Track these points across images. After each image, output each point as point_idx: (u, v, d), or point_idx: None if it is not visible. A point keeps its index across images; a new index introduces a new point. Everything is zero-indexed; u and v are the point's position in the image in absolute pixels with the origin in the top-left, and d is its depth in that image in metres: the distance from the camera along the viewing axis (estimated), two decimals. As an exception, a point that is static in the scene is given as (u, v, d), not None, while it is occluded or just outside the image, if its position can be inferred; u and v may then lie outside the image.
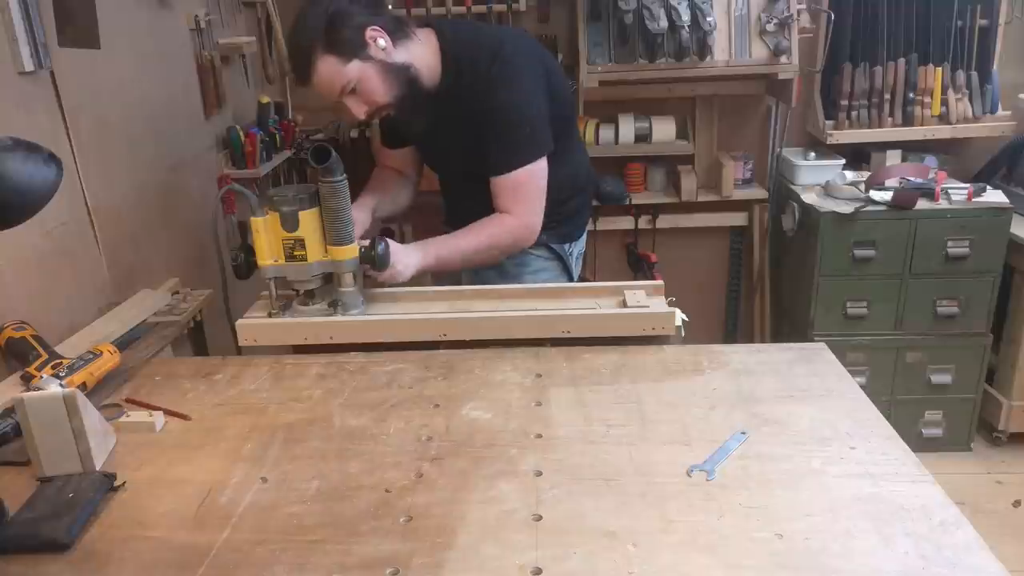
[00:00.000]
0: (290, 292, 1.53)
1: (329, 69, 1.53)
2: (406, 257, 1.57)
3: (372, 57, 1.55)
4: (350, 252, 1.46)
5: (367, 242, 1.50)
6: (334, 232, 1.44)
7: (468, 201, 1.75)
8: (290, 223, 1.44)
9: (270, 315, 1.51)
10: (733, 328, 3.38)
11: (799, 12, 2.75)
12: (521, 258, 1.80)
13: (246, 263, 1.50)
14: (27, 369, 1.31)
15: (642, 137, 2.98)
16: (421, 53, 1.63)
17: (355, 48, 1.54)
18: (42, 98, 1.55)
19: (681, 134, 3.03)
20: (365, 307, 1.52)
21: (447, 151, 1.80)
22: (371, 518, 1.00)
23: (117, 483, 1.09)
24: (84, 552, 0.97)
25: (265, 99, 2.66)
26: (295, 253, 1.46)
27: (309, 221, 1.44)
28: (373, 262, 1.50)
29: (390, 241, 1.53)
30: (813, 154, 2.97)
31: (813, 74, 2.92)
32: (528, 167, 1.63)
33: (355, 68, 1.54)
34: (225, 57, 2.52)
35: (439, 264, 1.64)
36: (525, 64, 1.64)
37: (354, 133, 2.90)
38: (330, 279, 1.51)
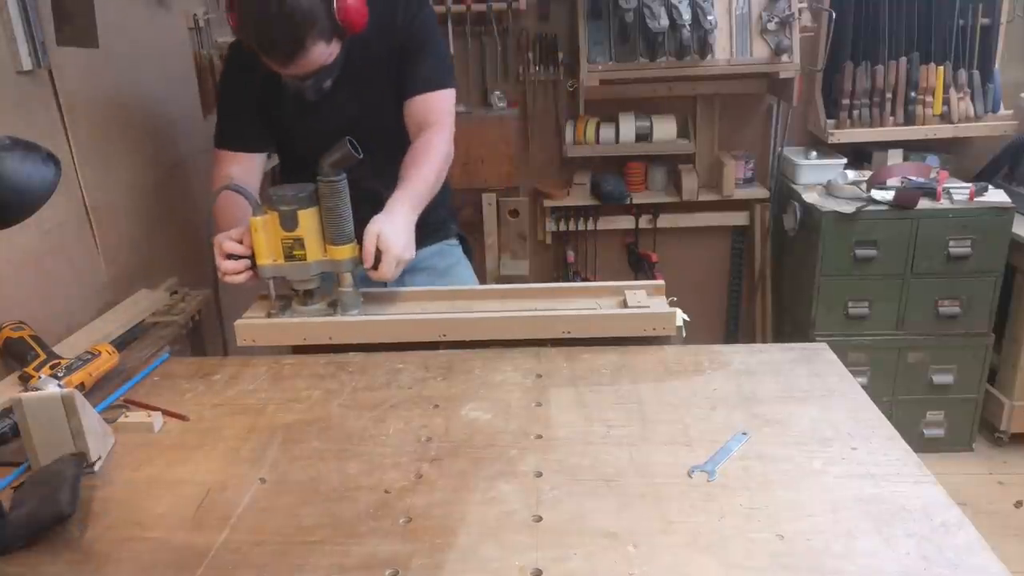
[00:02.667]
0: (289, 293, 1.52)
1: (321, 52, 1.42)
2: (402, 241, 1.42)
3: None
4: (349, 251, 1.46)
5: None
6: (334, 231, 1.44)
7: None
8: (289, 222, 1.43)
9: (269, 315, 1.50)
10: (734, 328, 3.38)
11: (800, 11, 2.74)
12: (445, 250, 1.82)
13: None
14: (25, 369, 1.31)
15: (643, 136, 2.97)
16: None
17: (337, 28, 1.43)
18: (40, 97, 1.55)
19: (682, 133, 3.02)
20: (364, 307, 1.52)
21: (343, 103, 1.61)
22: (370, 519, 0.99)
23: (90, 462, 1.10)
24: (83, 552, 0.96)
25: (265, 98, 2.65)
26: (294, 253, 1.45)
27: (308, 220, 1.43)
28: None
29: (383, 227, 1.41)
30: (814, 153, 2.97)
31: (814, 73, 2.91)
32: (453, 89, 1.61)
33: (336, 48, 1.45)
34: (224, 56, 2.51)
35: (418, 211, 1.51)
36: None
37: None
38: (328, 279, 1.51)
